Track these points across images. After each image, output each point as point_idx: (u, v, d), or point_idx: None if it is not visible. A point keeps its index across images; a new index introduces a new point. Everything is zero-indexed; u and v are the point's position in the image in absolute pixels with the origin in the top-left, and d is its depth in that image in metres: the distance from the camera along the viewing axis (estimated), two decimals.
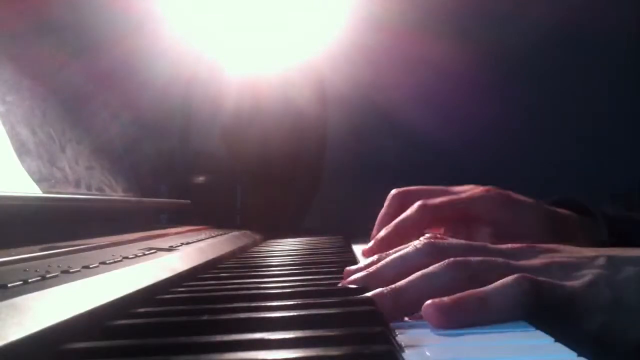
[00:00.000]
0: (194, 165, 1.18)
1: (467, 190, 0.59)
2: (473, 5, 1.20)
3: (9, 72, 0.70)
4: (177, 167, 1.16)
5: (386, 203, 0.62)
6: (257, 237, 0.99)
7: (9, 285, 0.35)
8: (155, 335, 0.33)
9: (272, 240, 1.00)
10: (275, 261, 0.68)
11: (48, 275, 0.39)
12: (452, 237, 0.57)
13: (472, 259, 0.43)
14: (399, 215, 0.59)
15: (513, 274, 0.40)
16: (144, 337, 0.32)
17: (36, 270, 0.40)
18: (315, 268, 0.58)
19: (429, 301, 0.37)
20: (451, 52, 1.16)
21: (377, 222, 0.62)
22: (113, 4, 0.96)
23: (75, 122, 0.81)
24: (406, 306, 0.40)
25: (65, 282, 0.38)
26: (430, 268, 0.42)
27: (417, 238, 0.62)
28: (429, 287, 0.41)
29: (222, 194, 1.18)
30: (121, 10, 0.96)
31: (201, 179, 1.17)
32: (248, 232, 0.99)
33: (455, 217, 0.58)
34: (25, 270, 0.40)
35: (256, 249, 0.87)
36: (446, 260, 0.42)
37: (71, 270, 0.42)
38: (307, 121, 1.21)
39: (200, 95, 1.19)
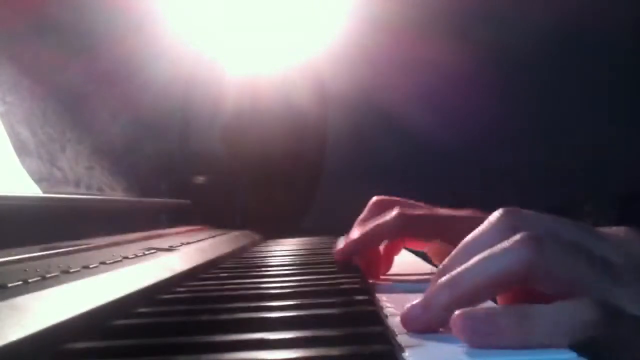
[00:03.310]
0: (194, 165, 1.18)
1: (454, 212, 0.57)
2: (473, 5, 1.20)
3: (9, 72, 0.70)
4: (177, 167, 1.16)
5: (367, 208, 0.61)
6: (257, 237, 0.99)
7: (9, 285, 0.35)
8: (155, 335, 0.33)
9: (272, 240, 1.00)
10: (275, 261, 0.68)
11: (48, 275, 0.39)
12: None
13: (554, 241, 0.34)
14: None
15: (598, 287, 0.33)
16: (144, 337, 0.32)
17: (36, 270, 0.40)
18: (315, 268, 0.58)
19: (457, 312, 0.31)
20: (451, 52, 1.16)
21: (355, 226, 0.60)
22: (113, 4, 0.96)
23: (75, 122, 0.81)
24: (462, 298, 0.34)
25: (65, 282, 0.38)
26: (497, 247, 0.35)
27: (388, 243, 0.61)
28: (489, 271, 0.34)
29: (222, 194, 1.18)
30: (121, 10, 0.96)
31: (201, 179, 1.17)
32: (248, 232, 0.99)
33: (431, 233, 0.55)
34: (25, 270, 0.40)
35: (256, 249, 0.87)
36: (518, 235, 0.34)
37: (71, 270, 0.42)
38: (307, 121, 1.21)
39: (200, 95, 1.19)
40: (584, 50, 1.19)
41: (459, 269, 0.35)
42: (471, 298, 0.34)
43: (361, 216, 0.60)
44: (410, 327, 0.35)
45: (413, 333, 0.34)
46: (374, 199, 0.60)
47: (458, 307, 0.33)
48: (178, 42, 1.09)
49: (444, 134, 1.16)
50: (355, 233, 0.56)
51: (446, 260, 0.40)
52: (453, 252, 0.39)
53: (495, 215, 0.38)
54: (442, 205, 0.57)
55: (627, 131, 1.16)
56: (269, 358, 0.28)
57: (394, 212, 0.54)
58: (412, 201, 0.59)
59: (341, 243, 0.59)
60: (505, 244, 0.34)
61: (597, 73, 1.19)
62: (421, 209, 0.57)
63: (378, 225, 0.55)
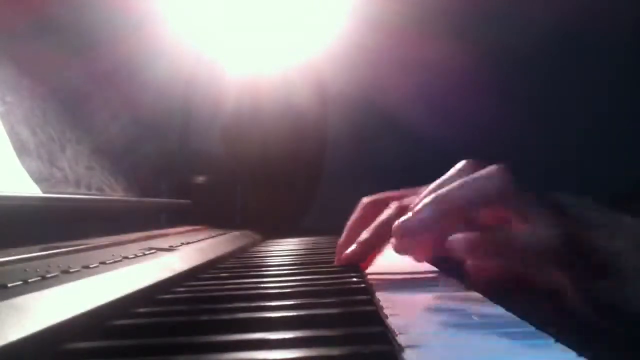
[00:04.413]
0: (194, 165, 1.18)
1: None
2: (473, 5, 1.20)
3: (9, 72, 0.70)
4: (177, 167, 1.16)
5: (357, 211, 0.60)
6: (257, 237, 0.99)
7: (9, 285, 0.35)
8: (155, 335, 0.33)
9: (272, 240, 1.00)
10: (275, 261, 0.68)
11: (48, 275, 0.39)
12: None
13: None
14: (369, 223, 0.56)
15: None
16: (144, 337, 0.32)
17: (36, 270, 0.40)
18: (315, 268, 0.58)
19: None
20: (451, 52, 1.16)
21: (348, 228, 0.59)
22: (113, 4, 0.96)
23: (75, 122, 0.81)
24: (449, 214, 0.42)
25: (65, 282, 0.38)
26: (477, 174, 0.43)
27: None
28: (470, 190, 0.42)
29: (222, 194, 1.18)
30: (121, 10, 0.96)
31: (201, 179, 1.17)
32: (248, 232, 0.99)
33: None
34: (25, 270, 0.40)
35: (256, 249, 0.87)
36: (495, 167, 0.43)
37: (71, 270, 0.42)
38: (307, 121, 1.21)
39: (200, 95, 1.19)
40: (584, 50, 1.19)
41: (442, 190, 0.43)
42: (454, 213, 0.43)
43: (352, 218, 0.59)
44: (401, 235, 0.44)
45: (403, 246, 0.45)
46: (364, 200, 0.60)
47: (442, 221, 0.42)
48: (178, 42, 1.09)
49: (444, 134, 1.16)
50: (364, 235, 0.56)
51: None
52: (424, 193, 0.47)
53: (461, 163, 0.48)
54: None
55: (628, 131, 1.16)
56: (269, 358, 0.28)
57: (393, 207, 0.54)
58: (397, 192, 0.59)
59: (343, 249, 0.58)
60: (484, 171, 0.43)
61: (597, 73, 1.19)
62: (410, 195, 0.56)
63: (382, 224, 0.55)
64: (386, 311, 0.40)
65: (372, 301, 0.40)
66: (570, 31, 1.17)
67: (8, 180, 0.61)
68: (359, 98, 1.23)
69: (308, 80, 1.21)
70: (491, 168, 0.43)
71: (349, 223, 0.59)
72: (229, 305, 0.39)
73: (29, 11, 0.78)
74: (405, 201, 0.54)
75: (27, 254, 0.46)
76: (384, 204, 0.56)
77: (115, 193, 0.83)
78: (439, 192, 0.43)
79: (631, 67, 1.18)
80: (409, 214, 0.44)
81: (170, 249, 0.61)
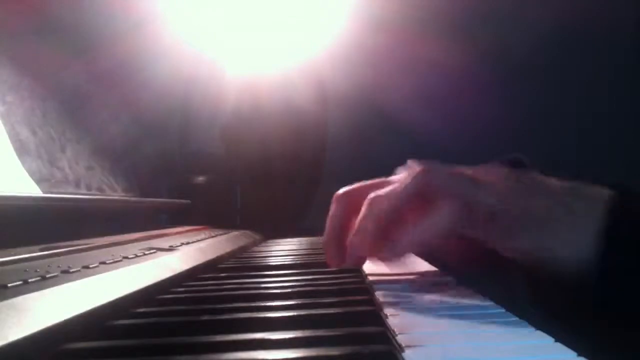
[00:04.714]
0: (194, 165, 1.18)
1: (406, 175, 0.57)
2: (473, 5, 1.20)
3: (9, 72, 0.70)
4: (177, 167, 1.16)
5: (333, 206, 0.59)
6: (257, 237, 0.99)
7: (9, 285, 0.35)
8: (155, 335, 0.33)
9: (272, 240, 1.00)
10: (275, 261, 0.68)
11: (48, 275, 0.39)
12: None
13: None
14: (348, 215, 0.57)
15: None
16: (144, 337, 0.32)
17: (36, 270, 0.40)
18: (315, 268, 0.58)
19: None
20: (452, 52, 1.16)
21: (328, 225, 0.59)
22: (113, 4, 0.96)
23: (75, 122, 0.81)
24: (383, 219, 0.51)
25: (65, 282, 0.38)
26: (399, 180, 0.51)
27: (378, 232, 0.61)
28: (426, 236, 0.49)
29: (222, 194, 1.18)
30: (121, 10, 0.96)
31: (201, 179, 1.17)
32: (248, 232, 0.99)
33: (411, 201, 0.54)
34: (25, 270, 0.40)
35: (256, 249, 0.87)
36: (448, 203, 0.49)
37: (71, 270, 0.41)
38: (307, 121, 1.21)
39: (200, 95, 1.19)
40: (584, 50, 1.19)
41: (403, 238, 0.49)
42: (388, 216, 0.51)
43: (331, 214, 0.59)
44: (353, 251, 0.52)
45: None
46: (338, 193, 0.60)
47: (380, 225, 0.50)
48: (178, 42, 1.09)
49: (444, 133, 1.16)
50: (357, 237, 0.55)
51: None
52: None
53: (410, 174, 0.53)
54: None
55: (628, 131, 1.16)
56: (269, 358, 0.28)
57: (368, 201, 0.54)
58: (369, 182, 0.59)
59: (333, 250, 0.58)
60: (403, 175, 0.51)
61: (597, 73, 1.19)
62: (382, 186, 0.56)
63: (365, 218, 0.54)
64: (386, 311, 0.40)
65: (372, 301, 0.40)
66: (570, 31, 1.17)
67: (8, 180, 0.61)
68: (359, 98, 1.23)
69: (308, 80, 1.21)
70: (409, 172, 0.51)
71: (330, 219, 0.59)
72: (229, 305, 0.39)
73: (29, 11, 0.78)
74: (381, 193, 0.55)
75: (27, 254, 0.46)
76: (358, 194, 0.56)
77: (115, 193, 0.83)
78: (371, 203, 0.51)
79: (631, 67, 1.18)
80: (353, 233, 0.52)
81: (170, 249, 0.61)
